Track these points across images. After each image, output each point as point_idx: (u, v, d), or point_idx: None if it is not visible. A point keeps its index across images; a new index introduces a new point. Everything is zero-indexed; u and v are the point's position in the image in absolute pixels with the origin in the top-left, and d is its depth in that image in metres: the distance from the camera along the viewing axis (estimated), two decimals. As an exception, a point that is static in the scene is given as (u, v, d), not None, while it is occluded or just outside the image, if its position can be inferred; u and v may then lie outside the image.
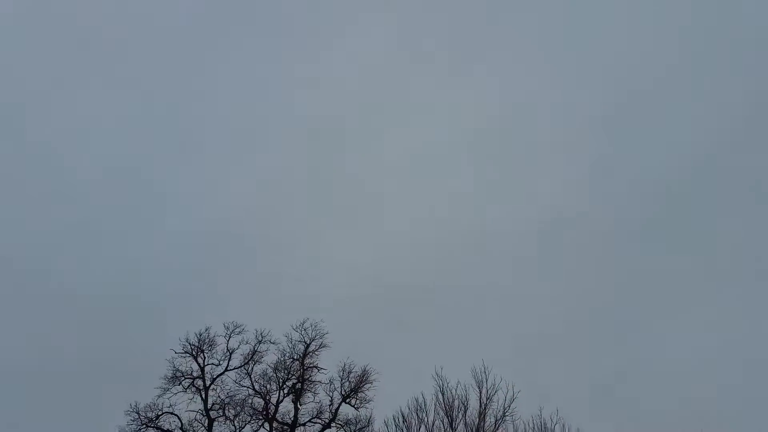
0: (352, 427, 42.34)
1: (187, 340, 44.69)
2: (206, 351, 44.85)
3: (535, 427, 39.69)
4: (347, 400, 43.37)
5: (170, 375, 43.67)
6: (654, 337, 60.61)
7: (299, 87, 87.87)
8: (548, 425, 39.48)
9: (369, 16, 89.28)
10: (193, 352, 44.70)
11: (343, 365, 44.11)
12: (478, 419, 40.52)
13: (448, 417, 41.08)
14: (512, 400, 40.02)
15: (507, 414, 40.01)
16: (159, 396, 43.00)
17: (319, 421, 42.96)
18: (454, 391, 41.49)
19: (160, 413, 42.60)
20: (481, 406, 40.39)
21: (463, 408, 40.69)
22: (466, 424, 40.72)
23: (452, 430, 40.91)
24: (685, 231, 72.71)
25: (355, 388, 43.56)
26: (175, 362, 43.95)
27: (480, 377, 41.20)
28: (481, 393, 40.76)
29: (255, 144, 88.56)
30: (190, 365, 44.45)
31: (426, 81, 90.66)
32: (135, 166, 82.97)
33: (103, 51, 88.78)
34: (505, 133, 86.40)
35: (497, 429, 40.23)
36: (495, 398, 40.46)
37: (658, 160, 79.34)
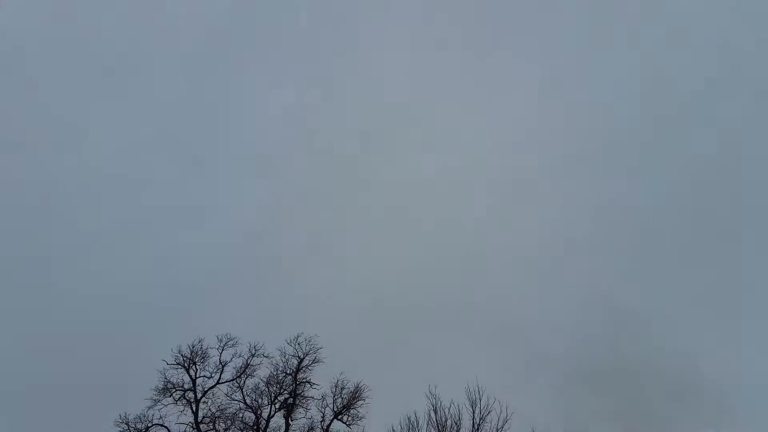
0: (344, 445, 41.78)
1: (179, 351, 44.38)
2: (198, 363, 44.50)
3: (529, 448, 39.17)
4: (339, 417, 42.94)
5: (161, 386, 43.29)
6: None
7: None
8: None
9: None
10: (185, 364, 44.35)
11: (336, 381, 43.79)
12: (471, 440, 39.99)
13: (440, 436, 40.55)
14: (505, 420, 39.67)
15: (500, 434, 39.49)
16: (149, 407, 42.54)
17: (310, 437, 42.44)
18: (447, 410, 41.21)
19: (149, 425, 42.09)
20: (473, 426, 40.03)
21: (455, 427, 40.32)
22: (458, 443, 40.17)
23: (444, 450, 40.37)
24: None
25: (347, 404, 43.14)
26: (166, 373, 43.64)
27: (474, 396, 40.93)
28: (474, 413, 40.44)
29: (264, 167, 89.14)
30: (181, 377, 44.12)
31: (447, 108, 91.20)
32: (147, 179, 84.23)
33: (120, 72, 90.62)
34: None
35: (490, 450, 39.67)
36: (488, 418, 40.14)
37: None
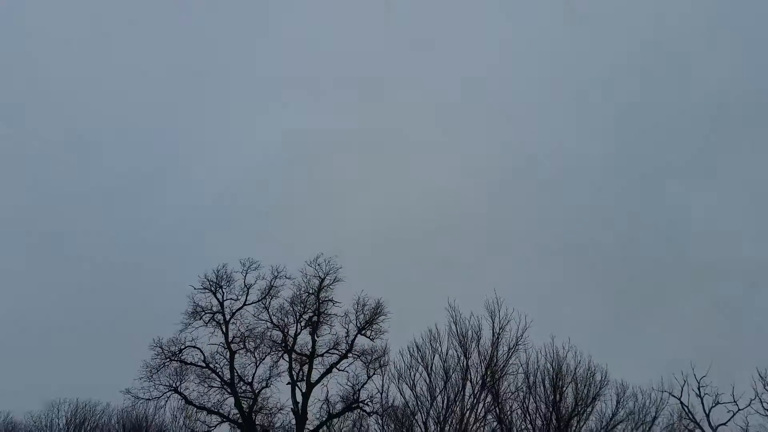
0: (369, 357, 43.63)
1: (205, 276, 45.65)
2: (224, 287, 45.79)
3: (548, 354, 40.81)
4: (362, 332, 44.49)
5: (191, 310, 44.78)
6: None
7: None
8: (560, 353, 40.55)
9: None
10: (212, 288, 45.64)
11: (357, 299, 45.07)
12: (491, 348, 41.62)
13: (461, 346, 42.25)
14: (525, 329, 41.00)
15: (519, 343, 41.05)
16: (181, 331, 44.16)
17: (336, 351, 44.27)
18: (467, 321, 42.55)
19: (183, 347, 43.92)
20: (493, 335, 41.50)
21: (476, 338, 41.89)
22: (479, 353, 41.88)
23: (465, 358, 42.15)
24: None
25: (369, 320, 44.60)
26: (194, 298, 44.97)
27: (493, 308, 42.11)
28: (494, 323, 41.86)
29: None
30: (209, 301, 45.49)
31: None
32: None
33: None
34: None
35: (510, 357, 41.40)
36: (507, 328, 41.49)
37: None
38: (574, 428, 39.41)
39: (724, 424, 39.10)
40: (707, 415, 39.63)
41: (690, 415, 39.74)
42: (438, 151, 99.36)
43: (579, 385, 39.76)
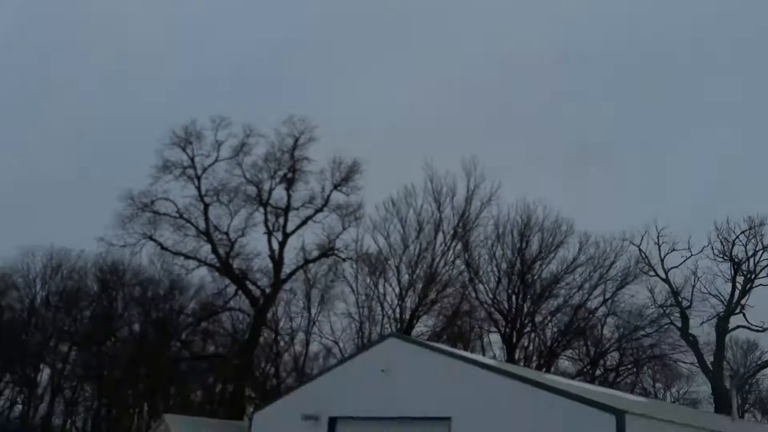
0: (344, 211, 44.57)
1: (173, 132, 44.49)
2: (194, 142, 44.86)
3: (518, 208, 43.08)
4: (338, 188, 45.00)
5: (161, 165, 43.88)
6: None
7: None
8: (531, 207, 42.90)
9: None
10: (181, 144, 44.64)
11: (333, 157, 45.33)
12: (464, 203, 43.38)
13: (436, 201, 43.80)
14: (498, 187, 42.64)
15: (492, 198, 42.86)
16: (152, 184, 43.25)
17: (312, 206, 44.80)
18: (443, 179, 43.83)
19: (154, 198, 43.34)
20: (468, 192, 42.96)
21: (450, 194, 43.26)
22: (453, 207, 43.58)
23: (439, 212, 43.87)
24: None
25: (345, 177, 45.08)
26: (164, 153, 43.96)
27: (469, 167, 43.40)
28: (469, 181, 43.14)
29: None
30: (179, 156, 44.62)
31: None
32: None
33: None
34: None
35: (482, 211, 43.37)
36: (482, 186, 43.04)
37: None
38: (536, 270, 42.41)
39: (676, 267, 43.00)
40: (662, 260, 43.37)
41: (646, 259, 43.40)
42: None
43: (545, 234, 42.50)
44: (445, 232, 43.03)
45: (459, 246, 42.95)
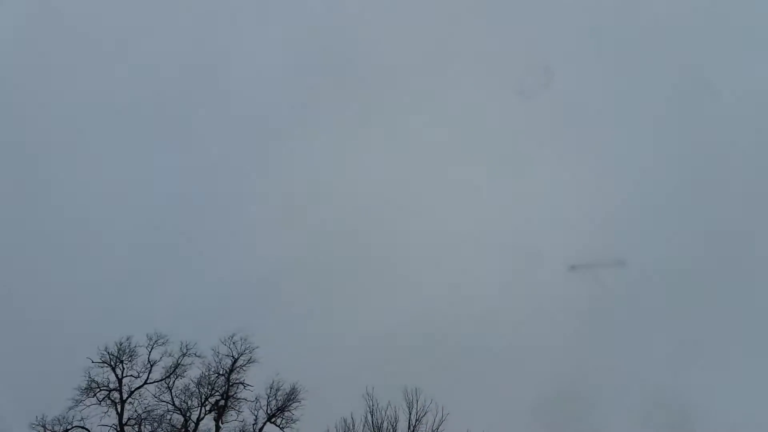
0: (277, 448, 40.59)
1: (106, 349, 42.24)
2: (126, 362, 42.45)
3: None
4: (273, 420, 41.80)
5: (84, 386, 41.08)
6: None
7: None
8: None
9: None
10: (112, 363, 42.22)
11: (271, 382, 42.54)
12: (406, 439, 39.88)
13: (376, 438, 40.19)
14: (441, 421, 39.83)
15: (436, 434, 39.55)
16: (70, 408, 40.25)
17: (242, 440, 41.06)
18: (384, 412, 41.02)
19: (69, 427, 39.80)
20: (410, 426, 40.16)
21: (391, 428, 40.38)
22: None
23: (380, 451, 39.97)
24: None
25: (282, 406, 42.14)
26: (91, 372, 41.41)
27: (410, 398, 40.87)
28: (410, 414, 40.49)
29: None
30: (107, 376, 41.96)
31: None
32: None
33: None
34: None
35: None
36: (424, 420, 40.36)
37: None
38: None
39: None
40: None
41: None
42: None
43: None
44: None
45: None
